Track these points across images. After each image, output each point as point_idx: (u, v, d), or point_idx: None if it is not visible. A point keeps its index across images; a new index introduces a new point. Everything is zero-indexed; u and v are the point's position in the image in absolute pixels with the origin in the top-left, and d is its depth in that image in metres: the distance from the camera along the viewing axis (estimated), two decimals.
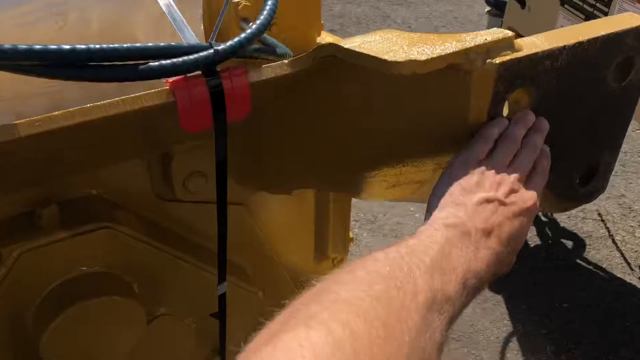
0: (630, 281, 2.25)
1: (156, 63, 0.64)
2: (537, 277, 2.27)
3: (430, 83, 0.70)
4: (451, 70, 0.68)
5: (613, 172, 2.85)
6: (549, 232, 2.45)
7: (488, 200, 0.67)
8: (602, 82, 0.81)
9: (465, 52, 0.66)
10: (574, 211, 2.58)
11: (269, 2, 0.68)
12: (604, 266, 2.31)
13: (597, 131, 0.87)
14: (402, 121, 0.78)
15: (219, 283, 1.03)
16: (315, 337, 0.43)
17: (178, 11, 0.74)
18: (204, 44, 0.68)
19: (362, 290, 0.50)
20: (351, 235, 1.56)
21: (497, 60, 0.67)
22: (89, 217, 0.98)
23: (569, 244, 2.42)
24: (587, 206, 2.60)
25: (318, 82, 0.82)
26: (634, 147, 2.92)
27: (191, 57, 0.65)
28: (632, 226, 2.49)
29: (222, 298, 1.07)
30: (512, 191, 0.69)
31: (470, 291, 0.60)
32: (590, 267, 2.31)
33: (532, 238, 2.44)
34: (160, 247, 1.09)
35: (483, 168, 0.68)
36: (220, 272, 1.02)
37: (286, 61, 0.73)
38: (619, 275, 2.27)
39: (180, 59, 0.65)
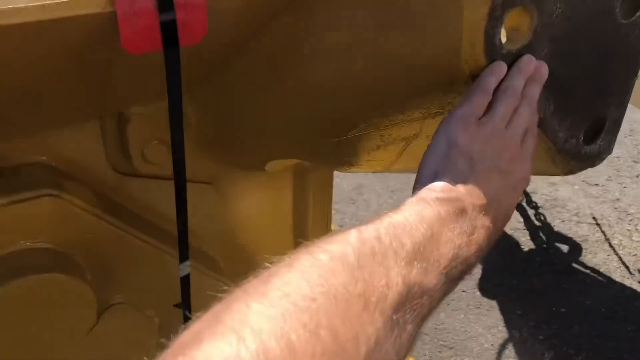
0: (630, 285, 2.15)
1: None
2: (533, 281, 2.17)
3: None
4: None
5: (607, 177, 2.73)
6: (544, 236, 2.36)
7: (490, 170, 0.59)
8: (610, 16, 0.71)
9: None
10: (567, 215, 2.49)
11: None
12: (601, 270, 2.20)
13: (604, 77, 0.78)
14: (387, 54, 0.68)
15: (181, 262, 0.91)
16: (244, 354, 0.35)
17: None
18: None
19: (318, 284, 0.40)
20: (333, 227, 1.45)
21: None
22: (31, 183, 0.86)
23: (565, 248, 2.32)
24: (582, 210, 2.51)
25: (292, 15, 0.72)
26: (627, 152, 2.86)
27: None
28: (629, 230, 2.39)
29: (185, 281, 0.95)
30: (513, 157, 0.62)
31: (454, 280, 0.51)
32: (588, 271, 2.21)
33: (526, 242, 2.34)
34: (117, 223, 0.98)
35: (485, 129, 0.60)
36: (181, 249, 0.89)
37: None
38: (617, 279, 2.17)
39: None
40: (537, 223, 2.41)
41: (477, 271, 2.15)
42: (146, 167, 0.97)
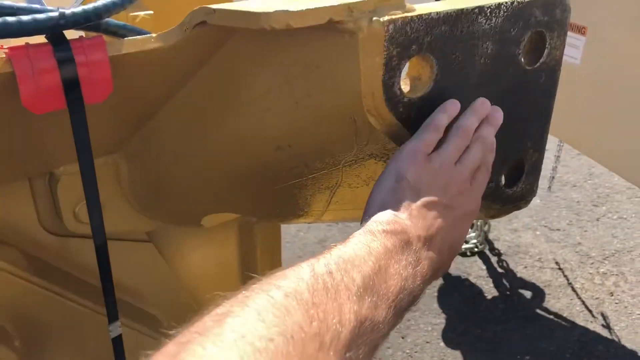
0: (594, 329, 2.14)
1: None
2: (496, 329, 2.15)
3: (315, 50, 0.63)
4: (335, 32, 0.60)
5: (568, 222, 2.76)
6: (507, 283, 2.36)
7: (435, 203, 0.61)
8: (514, 62, 0.74)
9: (348, 8, 0.59)
10: (530, 261, 2.50)
11: None
12: (564, 315, 2.20)
13: (517, 122, 0.80)
14: (292, 108, 0.70)
15: (110, 323, 0.89)
16: None
17: None
18: (51, 7, 0.59)
19: (274, 323, 0.41)
20: None
21: (385, 17, 0.60)
22: None
23: (528, 294, 2.33)
24: (544, 255, 2.53)
25: (208, 72, 0.73)
26: (587, 196, 2.92)
27: (29, 17, 0.56)
28: (590, 273, 2.41)
29: (118, 342, 0.92)
30: (460, 193, 0.64)
31: (401, 312, 0.53)
32: (551, 316, 2.20)
33: (490, 290, 2.34)
34: (49, 286, 0.96)
35: (433, 164, 0.62)
36: (109, 309, 0.87)
37: (154, 35, 0.65)
38: (581, 323, 2.17)
39: (14, 18, 0.55)
40: (500, 270, 2.42)
41: (441, 321, 2.13)
42: (78, 227, 0.96)
